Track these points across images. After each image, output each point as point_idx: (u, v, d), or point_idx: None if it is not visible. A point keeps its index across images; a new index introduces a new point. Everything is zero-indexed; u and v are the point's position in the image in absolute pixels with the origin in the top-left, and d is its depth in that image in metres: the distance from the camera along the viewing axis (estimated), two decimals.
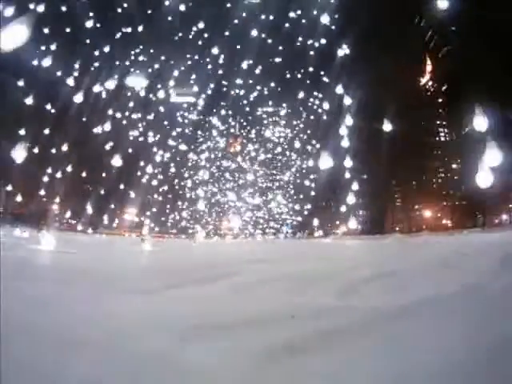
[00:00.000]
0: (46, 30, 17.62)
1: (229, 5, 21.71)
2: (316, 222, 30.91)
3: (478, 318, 2.51)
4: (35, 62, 17.39)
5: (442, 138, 35.29)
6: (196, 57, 25.15)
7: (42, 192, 20.88)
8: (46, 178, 20.16)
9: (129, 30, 21.14)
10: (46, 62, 15.32)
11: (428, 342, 2.05)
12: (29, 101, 17.15)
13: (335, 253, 11.91)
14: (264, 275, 5.11)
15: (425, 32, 28.20)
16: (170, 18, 21.32)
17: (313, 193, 31.38)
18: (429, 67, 33.67)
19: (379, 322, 2.45)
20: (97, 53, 20.91)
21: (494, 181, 5.17)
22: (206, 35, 22.07)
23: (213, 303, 3.14)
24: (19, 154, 7.17)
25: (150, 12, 21.80)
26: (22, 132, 17.68)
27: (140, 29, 20.36)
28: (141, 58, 24.09)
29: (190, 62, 25.64)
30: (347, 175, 14.89)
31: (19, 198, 21.94)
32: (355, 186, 13.51)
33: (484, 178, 5.18)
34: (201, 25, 20.26)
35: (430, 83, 34.97)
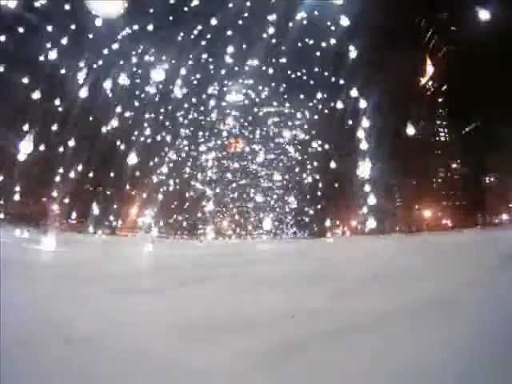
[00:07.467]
0: (50, 27, 17.49)
1: (236, 4, 21.38)
2: (316, 222, 30.87)
3: (478, 316, 2.52)
4: (41, 58, 17.25)
5: (442, 138, 35.27)
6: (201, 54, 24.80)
7: (43, 192, 20.79)
8: (47, 178, 20.04)
9: (136, 27, 20.98)
10: (53, 57, 15.20)
11: (428, 341, 2.05)
12: (32, 98, 16.95)
13: (335, 253, 11.91)
14: (264, 275, 5.11)
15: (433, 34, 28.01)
16: (175, 17, 21.14)
17: (313, 193, 31.34)
18: (429, 67, 33.67)
19: (379, 323, 2.44)
20: (105, 49, 20.71)
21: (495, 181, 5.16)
22: (209, 35, 21.83)
23: (213, 303, 3.13)
24: (21, 153, 7.16)
25: (155, 10, 21.64)
26: (25, 130, 17.41)
27: (146, 27, 20.21)
28: (147, 57, 23.95)
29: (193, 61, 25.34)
30: (348, 176, 14.86)
31: (19, 198, 21.84)
32: (355, 187, 13.52)
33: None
34: (205, 23, 19.99)
35: (431, 83, 34.97)
